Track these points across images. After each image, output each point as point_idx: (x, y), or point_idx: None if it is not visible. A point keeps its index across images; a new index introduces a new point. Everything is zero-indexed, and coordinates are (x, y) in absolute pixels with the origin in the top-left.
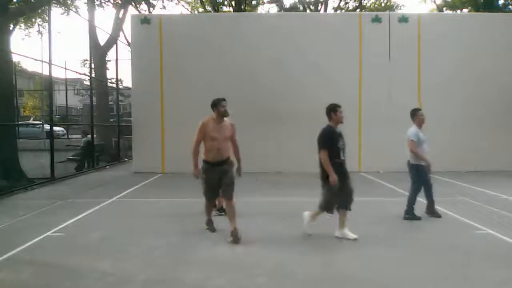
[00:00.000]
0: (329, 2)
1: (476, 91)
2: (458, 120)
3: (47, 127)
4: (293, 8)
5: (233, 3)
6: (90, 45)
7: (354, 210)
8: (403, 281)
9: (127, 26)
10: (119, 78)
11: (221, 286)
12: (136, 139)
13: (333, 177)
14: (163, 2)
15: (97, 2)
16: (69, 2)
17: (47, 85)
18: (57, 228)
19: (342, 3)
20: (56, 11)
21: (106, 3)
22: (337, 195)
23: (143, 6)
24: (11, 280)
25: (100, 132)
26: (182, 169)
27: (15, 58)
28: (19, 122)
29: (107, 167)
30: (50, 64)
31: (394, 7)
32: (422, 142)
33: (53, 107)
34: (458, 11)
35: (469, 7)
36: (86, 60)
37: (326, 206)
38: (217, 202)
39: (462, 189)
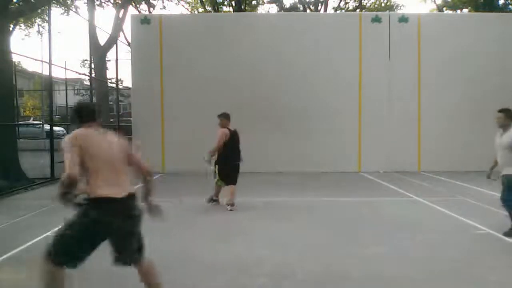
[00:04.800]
0: (329, 2)
1: (476, 91)
2: (458, 120)
3: (47, 127)
4: (293, 8)
5: (233, 3)
6: (90, 45)
7: (353, 210)
8: (403, 281)
9: (127, 26)
10: (119, 78)
11: (221, 286)
12: (136, 139)
13: None
14: (163, 2)
15: (97, 2)
16: (69, 2)
17: (47, 85)
18: (57, 228)
19: (342, 3)
20: (56, 11)
21: (106, 3)
22: None
23: (143, 6)
24: (11, 280)
25: None
26: (182, 169)
27: (15, 58)
28: (19, 122)
29: None
30: (50, 64)
31: (394, 7)
32: None
33: (53, 107)
34: (458, 11)
35: (469, 7)
36: (86, 60)
37: None
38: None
39: (462, 189)
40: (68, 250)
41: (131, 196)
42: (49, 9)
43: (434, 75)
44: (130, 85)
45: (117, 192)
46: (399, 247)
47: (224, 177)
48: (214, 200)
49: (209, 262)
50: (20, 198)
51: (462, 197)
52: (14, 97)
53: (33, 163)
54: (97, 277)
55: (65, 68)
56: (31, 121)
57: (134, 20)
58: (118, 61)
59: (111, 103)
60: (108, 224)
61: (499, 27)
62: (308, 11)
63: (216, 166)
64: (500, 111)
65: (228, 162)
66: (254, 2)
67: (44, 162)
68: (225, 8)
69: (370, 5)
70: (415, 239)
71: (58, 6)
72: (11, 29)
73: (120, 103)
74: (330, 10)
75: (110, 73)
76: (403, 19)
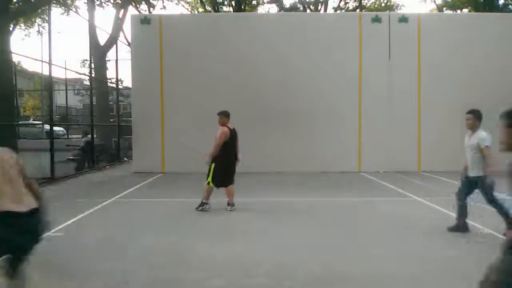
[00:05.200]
0: (329, 2)
1: (476, 91)
2: (458, 120)
3: (47, 127)
4: (293, 8)
5: (233, 3)
6: (90, 45)
7: (353, 210)
8: (403, 281)
9: (127, 26)
10: (119, 78)
11: (221, 286)
12: (136, 139)
13: None
14: (163, 2)
15: (97, 2)
16: (69, 2)
17: (47, 85)
18: (57, 228)
19: (342, 3)
20: (56, 11)
21: (106, 3)
22: None
23: (143, 6)
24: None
25: (100, 132)
26: (182, 169)
27: (15, 58)
28: (19, 122)
29: (107, 167)
30: (50, 64)
31: (394, 7)
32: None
33: (53, 107)
34: (458, 11)
35: (469, 7)
36: (86, 60)
37: None
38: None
39: None
40: None
41: (34, 211)
42: (49, 9)
43: (434, 75)
44: (130, 85)
45: (19, 206)
46: (399, 247)
47: (221, 177)
48: (204, 203)
49: (209, 262)
50: None
51: None
52: (14, 97)
53: (33, 163)
54: (97, 277)
55: (65, 68)
56: (31, 121)
57: (134, 20)
58: (118, 61)
59: (111, 103)
60: (9, 239)
61: (499, 27)
62: (308, 11)
63: (213, 164)
64: (469, 112)
65: (226, 161)
66: (254, 2)
67: (44, 162)
68: (225, 8)
69: (370, 5)
70: (415, 238)
71: (58, 6)
72: (11, 29)
73: (120, 103)
74: (330, 10)
75: (110, 73)
76: (403, 19)
